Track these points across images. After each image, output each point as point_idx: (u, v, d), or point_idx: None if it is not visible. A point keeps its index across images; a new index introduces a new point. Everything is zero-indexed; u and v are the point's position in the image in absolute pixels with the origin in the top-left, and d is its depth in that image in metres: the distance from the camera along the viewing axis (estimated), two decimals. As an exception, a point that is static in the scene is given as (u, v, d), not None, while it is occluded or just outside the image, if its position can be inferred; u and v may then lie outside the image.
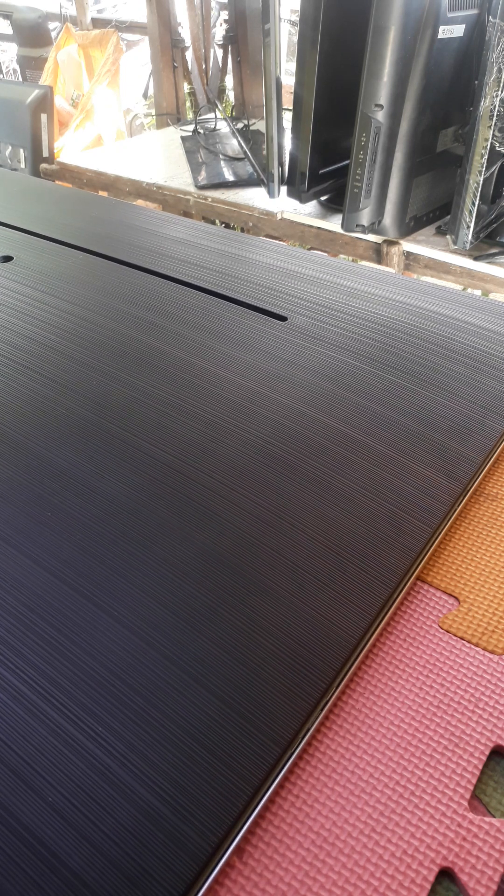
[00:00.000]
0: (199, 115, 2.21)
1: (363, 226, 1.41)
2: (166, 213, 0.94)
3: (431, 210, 1.52)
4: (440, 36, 1.24)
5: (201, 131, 2.11)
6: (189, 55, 2.40)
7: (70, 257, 0.77)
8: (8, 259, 0.75)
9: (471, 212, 1.30)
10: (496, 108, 1.19)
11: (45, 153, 2.31)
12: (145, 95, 3.32)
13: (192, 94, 2.43)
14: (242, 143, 1.92)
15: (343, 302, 0.69)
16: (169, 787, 0.30)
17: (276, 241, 0.86)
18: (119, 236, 0.82)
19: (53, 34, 3.10)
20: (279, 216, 1.60)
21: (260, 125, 2.08)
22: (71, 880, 0.27)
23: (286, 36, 3.07)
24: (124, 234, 0.83)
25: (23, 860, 0.27)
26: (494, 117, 1.20)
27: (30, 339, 0.61)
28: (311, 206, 1.61)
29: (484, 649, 0.39)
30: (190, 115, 2.39)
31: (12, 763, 0.30)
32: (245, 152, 1.86)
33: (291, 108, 1.42)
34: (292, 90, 1.39)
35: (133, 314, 0.65)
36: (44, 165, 2.03)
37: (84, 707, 0.33)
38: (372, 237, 1.48)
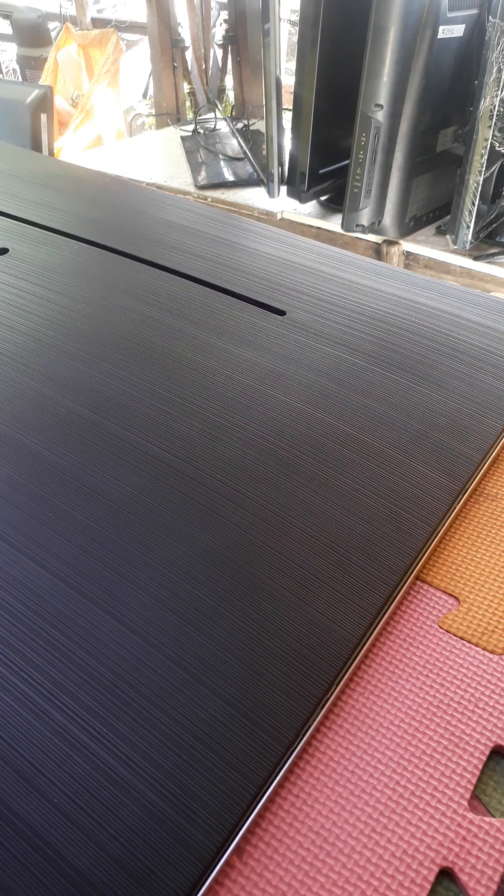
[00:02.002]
0: (199, 115, 2.21)
1: (363, 226, 1.42)
2: (164, 193, 0.94)
3: (431, 210, 1.52)
4: (440, 36, 1.25)
5: (201, 131, 2.11)
6: (189, 55, 2.40)
7: (67, 248, 0.76)
8: (4, 251, 0.75)
9: (471, 212, 1.30)
10: (496, 108, 1.19)
11: (45, 153, 2.31)
12: (145, 95, 3.32)
13: (192, 94, 2.43)
14: (242, 143, 1.92)
15: (342, 296, 0.69)
16: (173, 787, 0.30)
17: (275, 228, 0.85)
18: (117, 222, 0.82)
19: (53, 34, 3.09)
20: (279, 216, 1.60)
21: (260, 125, 2.08)
22: (77, 880, 0.27)
23: (286, 36, 3.07)
24: (122, 219, 0.83)
25: (29, 861, 0.28)
26: (494, 117, 1.20)
27: (27, 336, 0.61)
28: (311, 206, 1.61)
29: (484, 649, 0.39)
30: (190, 115, 2.39)
31: (17, 765, 0.30)
32: (245, 152, 1.87)
33: (291, 108, 1.42)
34: (292, 90, 1.39)
35: (131, 308, 0.65)
36: (44, 166, 2.03)
37: (88, 709, 0.33)
38: (372, 237, 1.49)
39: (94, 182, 0.94)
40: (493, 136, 1.22)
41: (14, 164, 1.00)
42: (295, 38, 1.64)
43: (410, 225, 1.47)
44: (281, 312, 0.66)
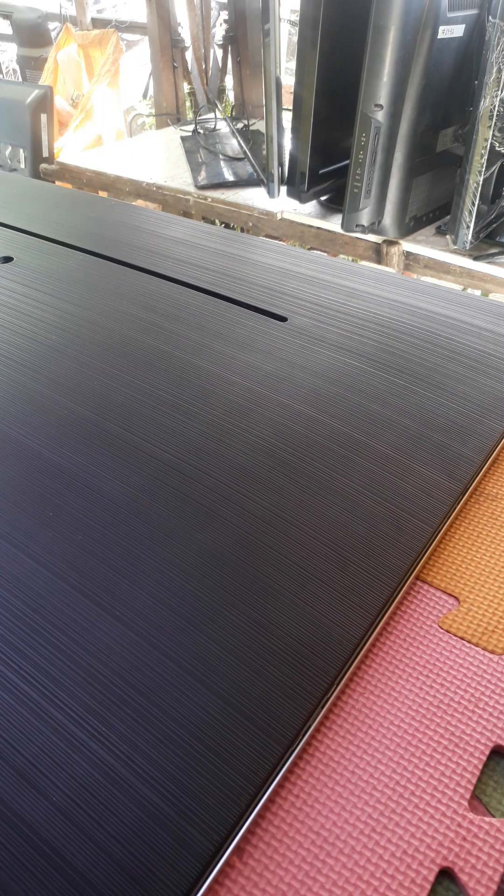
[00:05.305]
0: (199, 115, 2.21)
1: (363, 226, 1.42)
2: (165, 214, 0.94)
3: (431, 210, 1.52)
4: (440, 36, 1.25)
5: (201, 131, 2.11)
6: (189, 55, 2.40)
7: (70, 258, 0.77)
8: (8, 260, 0.75)
9: (471, 212, 1.30)
10: (496, 108, 1.19)
11: (45, 153, 2.31)
12: (145, 95, 3.32)
13: (192, 94, 2.43)
14: (242, 143, 1.92)
15: (343, 302, 0.69)
16: (172, 787, 0.30)
17: (276, 241, 0.86)
18: (119, 237, 0.83)
19: (53, 34, 3.09)
20: (279, 216, 1.60)
21: (260, 125, 2.08)
22: (76, 879, 0.27)
23: (286, 36, 3.07)
24: (124, 234, 0.83)
25: (28, 860, 0.28)
26: (494, 117, 1.20)
27: (31, 340, 0.61)
28: (311, 206, 1.61)
29: (484, 649, 0.39)
30: (190, 115, 2.39)
31: (17, 763, 0.30)
32: (245, 152, 1.87)
33: (291, 108, 1.42)
34: (292, 90, 1.39)
35: (134, 315, 0.65)
36: (44, 166, 2.03)
37: (87, 707, 0.33)
38: (372, 237, 1.49)
39: (99, 204, 0.94)
40: (493, 136, 1.22)
41: (23, 189, 1.00)
42: (295, 38, 1.64)
43: (410, 225, 1.47)
44: (282, 318, 0.66)
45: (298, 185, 1.50)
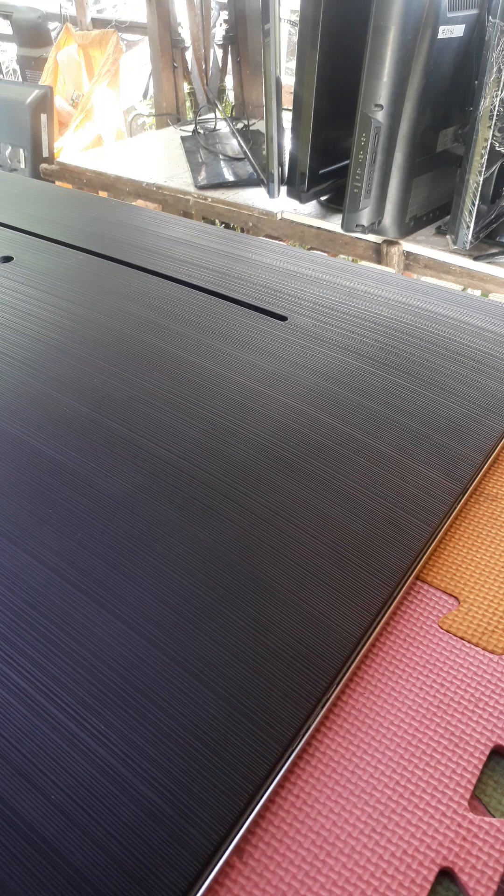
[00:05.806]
0: (199, 115, 2.21)
1: (363, 226, 1.42)
2: (165, 214, 0.94)
3: (431, 210, 1.52)
4: (440, 36, 1.25)
5: (201, 131, 2.11)
6: (189, 55, 2.40)
7: (70, 257, 0.77)
8: (8, 259, 0.75)
9: (471, 212, 1.30)
10: (496, 108, 1.19)
11: (45, 153, 2.31)
12: (145, 95, 3.32)
13: (192, 94, 2.43)
14: (242, 143, 1.92)
15: (343, 302, 0.69)
16: (171, 785, 0.30)
17: (276, 241, 0.86)
18: (119, 237, 0.83)
19: (53, 34, 3.10)
20: (279, 216, 1.60)
21: (260, 125, 2.08)
22: (74, 878, 0.27)
23: (286, 36, 3.07)
24: (124, 234, 0.83)
25: (26, 858, 0.27)
26: (494, 117, 1.20)
27: (31, 338, 0.61)
28: (311, 206, 1.61)
29: (484, 649, 0.39)
30: (190, 115, 2.39)
31: (15, 761, 0.30)
32: (245, 152, 1.87)
33: (291, 108, 1.42)
34: (292, 90, 1.39)
35: (134, 313, 0.65)
36: (44, 165, 2.03)
37: (86, 705, 0.33)
38: (372, 237, 1.49)
39: (98, 204, 0.94)
40: (493, 136, 1.22)
41: (22, 189, 1.00)
42: (295, 38, 1.64)
43: (410, 225, 1.47)
44: (282, 318, 0.66)
45: (298, 185, 1.50)
